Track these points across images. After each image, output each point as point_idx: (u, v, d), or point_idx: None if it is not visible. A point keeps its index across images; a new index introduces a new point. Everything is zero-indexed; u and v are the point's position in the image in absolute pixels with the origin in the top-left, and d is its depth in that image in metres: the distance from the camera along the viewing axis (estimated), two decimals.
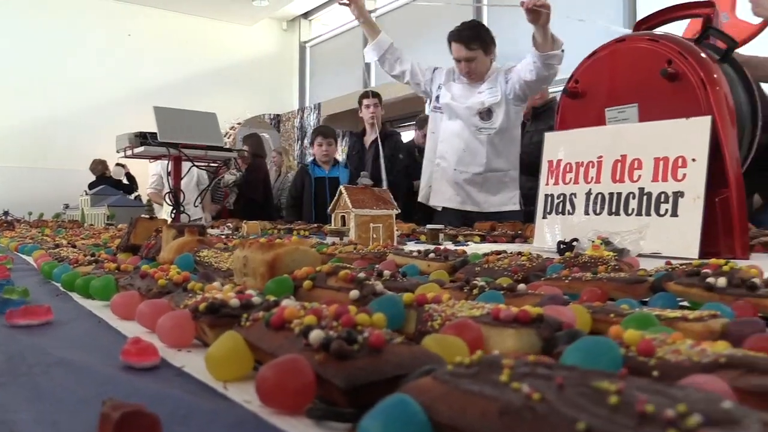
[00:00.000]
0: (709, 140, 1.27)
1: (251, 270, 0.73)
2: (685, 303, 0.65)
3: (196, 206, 3.84)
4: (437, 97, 3.04)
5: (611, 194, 1.44)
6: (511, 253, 1.03)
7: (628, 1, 5.26)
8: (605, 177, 1.46)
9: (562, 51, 2.59)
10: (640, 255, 1.25)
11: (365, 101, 3.90)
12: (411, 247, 1.50)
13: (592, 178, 1.49)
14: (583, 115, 1.58)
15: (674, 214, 1.30)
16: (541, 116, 3.42)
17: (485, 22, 5.06)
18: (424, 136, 3.42)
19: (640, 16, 5.03)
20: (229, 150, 3.00)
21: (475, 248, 1.64)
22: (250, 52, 9.05)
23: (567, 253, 1.04)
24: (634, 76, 1.46)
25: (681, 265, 0.79)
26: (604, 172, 1.46)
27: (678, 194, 1.30)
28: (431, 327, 0.48)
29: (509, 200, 2.90)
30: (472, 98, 2.92)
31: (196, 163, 2.83)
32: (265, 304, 0.49)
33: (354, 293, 0.57)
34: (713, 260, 0.73)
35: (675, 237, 1.28)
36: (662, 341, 0.38)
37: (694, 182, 1.28)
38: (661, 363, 0.35)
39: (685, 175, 1.30)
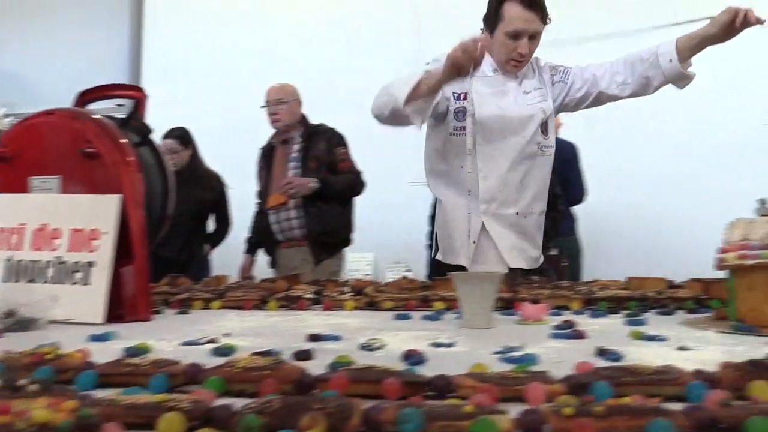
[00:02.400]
0: (117, 216, 1.44)
1: None
2: None
3: None
4: (460, 111, 2.07)
5: (32, 262, 1.48)
6: None
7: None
8: (26, 245, 1.50)
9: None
10: (53, 322, 1.33)
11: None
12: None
13: (13, 244, 1.51)
14: (11, 182, 1.58)
15: (86, 282, 1.42)
16: None
17: None
18: None
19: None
20: None
21: None
22: None
23: None
24: (59, 149, 1.55)
25: None
26: (26, 239, 1.50)
27: (91, 264, 1.43)
28: None
29: None
30: (521, 101, 2.11)
31: None
32: None
33: None
34: None
35: (86, 304, 1.40)
36: None
37: (104, 253, 1.43)
38: None
39: (97, 246, 1.44)
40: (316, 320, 1.44)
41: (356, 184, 3.40)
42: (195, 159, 3.80)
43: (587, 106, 2.18)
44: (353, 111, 3.78)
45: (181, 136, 3.74)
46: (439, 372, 0.76)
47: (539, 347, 1.03)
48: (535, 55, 2.12)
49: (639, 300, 1.58)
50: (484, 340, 1.09)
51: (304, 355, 0.97)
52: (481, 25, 2.11)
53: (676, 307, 1.53)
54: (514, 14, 2.00)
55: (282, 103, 3.34)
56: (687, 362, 0.85)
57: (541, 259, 2.22)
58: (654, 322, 1.31)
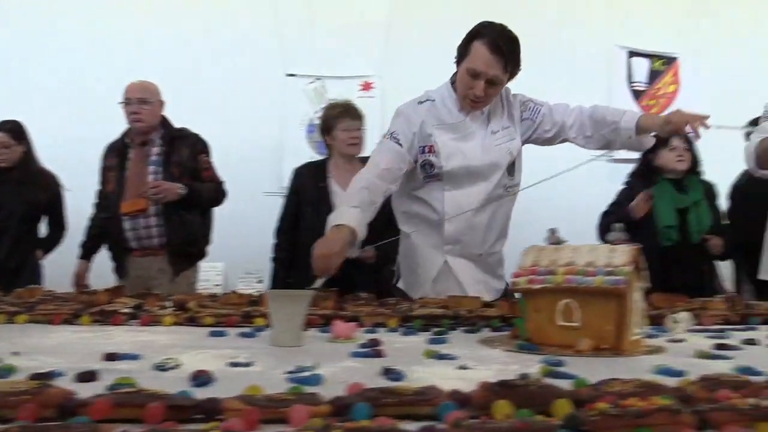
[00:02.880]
0: None
1: None
2: None
3: None
4: (426, 164, 2.09)
5: None
6: None
7: None
8: None
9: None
10: None
11: None
12: None
13: None
14: None
15: None
16: None
17: None
18: None
19: None
20: None
21: None
22: None
23: None
24: None
25: None
26: None
27: None
28: None
29: None
30: (489, 146, 2.09)
31: None
32: None
33: None
34: None
35: None
36: None
37: None
38: None
39: None
40: (125, 337, 1.39)
41: (220, 194, 3.31)
42: (28, 156, 3.51)
43: (552, 145, 2.24)
44: (206, 118, 3.71)
45: (13, 129, 3.45)
46: (222, 393, 0.77)
47: (334, 366, 1.06)
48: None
49: (451, 318, 1.67)
50: (283, 359, 1.11)
51: (87, 377, 0.94)
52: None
53: (483, 325, 1.63)
54: (478, 54, 1.98)
55: (145, 103, 3.16)
56: (459, 381, 0.92)
57: (503, 288, 2.21)
58: (456, 341, 1.39)
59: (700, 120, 1.88)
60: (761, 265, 2.71)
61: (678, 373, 0.99)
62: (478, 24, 2.05)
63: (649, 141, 2.10)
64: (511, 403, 0.74)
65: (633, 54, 5.91)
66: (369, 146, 4.88)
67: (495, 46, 1.96)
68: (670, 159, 3.55)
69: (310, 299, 1.34)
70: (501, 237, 2.21)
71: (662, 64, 5.94)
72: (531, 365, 1.07)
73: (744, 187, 3.75)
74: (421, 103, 2.14)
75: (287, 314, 1.28)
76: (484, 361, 1.13)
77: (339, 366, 1.08)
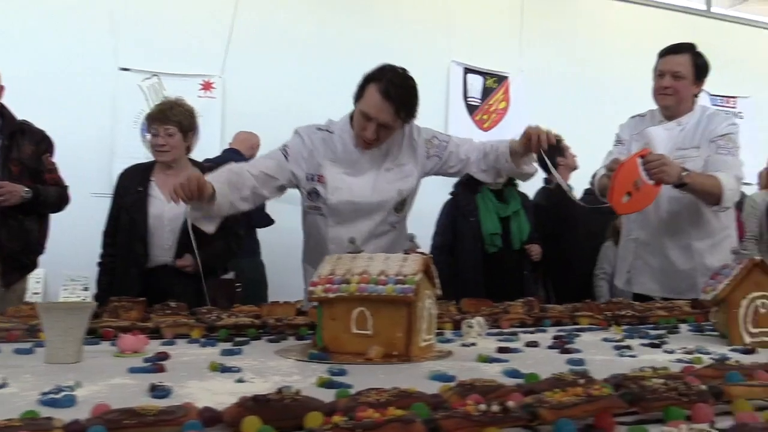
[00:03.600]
0: None
1: None
2: None
3: None
4: (313, 192, 2.12)
5: None
6: None
7: None
8: None
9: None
10: None
11: None
12: None
13: None
14: None
15: None
16: None
17: None
18: None
19: None
20: None
21: None
22: None
23: None
24: None
25: None
26: None
27: None
28: None
29: None
30: (377, 185, 2.12)
31: None
32: None
33: None
34: None
35: None
36: None
37: None
38: None
39: None
40: None
41: (63, 200, 2.98)
42: None
43: (449, 176, 2.39)
44: (32, 112, 3.36)
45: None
46: None
47: (100, 385, 0.99)
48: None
49: (259, 327, 1.64)
50: (45, 379, 1.01)
51: None
52: None
53: (290, 333, 1.61)
54: (371, 98, 2.00)
55: None
56: (228, 396, 0.88)
57: None
58: (252, 351, 1.36)
59: (547, 134, 1.98)
60: (616, 273, 2.88)
61: (450, 379, 1.02)
62: (377, 67, 2.06)
63: (531, 168, 2.18)
64: (260, 418, 0.72)
65: (468, 71, 6.23)
66: (207, 150, 4.75)
67: (386, 93, 1.97)
68: None
69: (90, 312, 1.24)
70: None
71: (494, 81, 6.32)
72: (311, 376, 1.06)
73: (543, 203, 4.11)
74: (320, 130, 2.16)
75: (63, 329, 1.18)
76: (267, 373, 1.10)
77: (106, 384, 1.00)
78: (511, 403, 0.69)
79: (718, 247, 2.50)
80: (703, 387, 0.78)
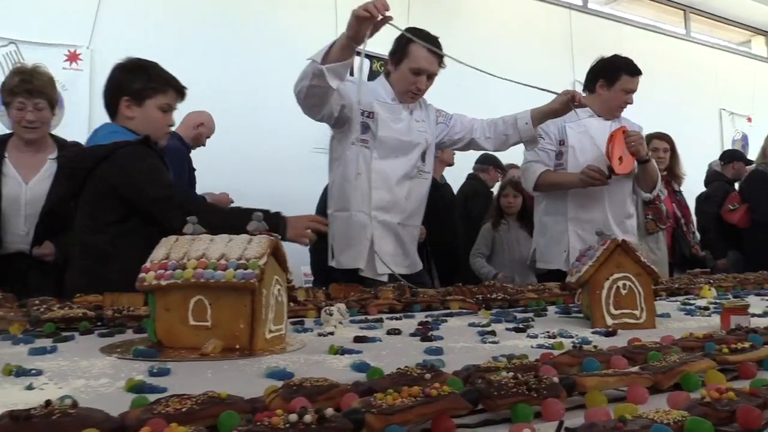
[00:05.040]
0: None
1: None
2: None
3: None
4: (364, 125, 2.42)
5: None
6: None
7: None
8: None
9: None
10: None
11: None
12: None
13: None
14: None
15: None
16: None
17: None
18: None
19: None
20: None
21: None
22: None
23: None
24: None
25: None
26: None
27: None
28: None
29: None
30: (412, 129, 2.55)
31: None
32: None
33: None
34: None
35: None
36: None
37: None
38: None
39: None
40: None
41: None
42: None
43: (459, 149, 2.84)
44: None
45: None
46: None
47: None
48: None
49: (93, 320, 1.44)
50: None
51: None
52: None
53: (130, 326, 1.42)
54: (420, 54, 2.41)
55: None
56: (5, 408, 0.71)
57: (419, 266, 2.63)
58: (72, 349, 1.17)
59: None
60: (536, 255, 3.23)
61: (287, 376, 0.89)
62: (409, 28, 2.42)
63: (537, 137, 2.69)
64: None
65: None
66: (73, 126, 4.36)
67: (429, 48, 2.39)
68: None
69: None
70: (416, 214, 2.58)
71: (381, 65, 6.23)
72: (125, 378, 0.89)
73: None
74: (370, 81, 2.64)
75: None
76: (72, 376, 0.92)
77: None
78: (329, 411, 0.57)
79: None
80: (555, 380, 0.70)
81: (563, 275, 2.65)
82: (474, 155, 5.08)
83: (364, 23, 2.03)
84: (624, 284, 1.40)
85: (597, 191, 2.92)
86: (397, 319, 1.61)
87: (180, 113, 4.30)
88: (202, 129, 4.27)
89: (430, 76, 2.46)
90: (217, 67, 5.06)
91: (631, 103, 3.02)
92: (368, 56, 6.13)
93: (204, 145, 4.39)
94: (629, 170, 2.92)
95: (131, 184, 2.03)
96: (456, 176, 4.92)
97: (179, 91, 2.26)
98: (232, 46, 5.26)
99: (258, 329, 1.12)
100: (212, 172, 4.31)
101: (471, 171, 5.07)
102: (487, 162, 4.95)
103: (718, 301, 1.98)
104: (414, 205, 2.54)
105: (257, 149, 5.06)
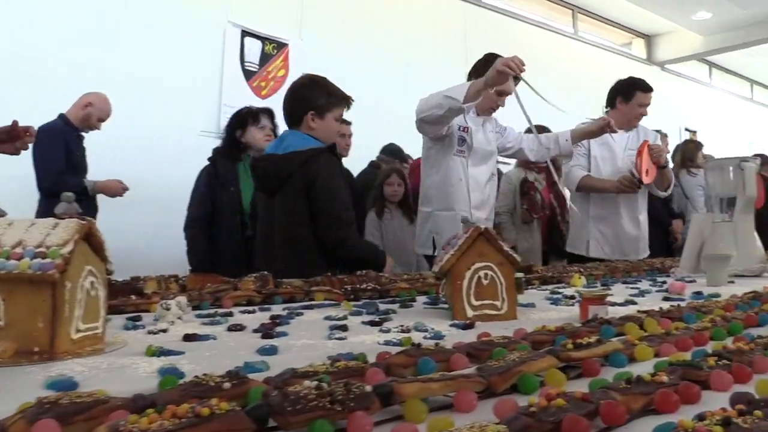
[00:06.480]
0: None
1: None
2: None
3: None
4: (460, 139, 2.98)
5: None
6: None
7: None
8: None
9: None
10: None
11: None
12: None
13: None
14: None
15: None
16: None
17: None
18: None
19: None
20: None
21: None
22: None
23: None
24: None
25: None
26: None
27: None
28: None
29: None
30: (490, 139, 3.11)
31: None
32: None
33: None
34: None
35: None
36: None
37: None
38: None
39: None
40: None
41: None
42: None
43: (506, 156, 3.35)
44: None
45: None
46: None
47: None
48: None
49: None
50: None
51: None
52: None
53: None
54: (505, 79, 2.66)
55: None
56: None
57: None
58: None
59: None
60: (568, 240, 3.80)
61: (71, 386, 0.74)
62: (489, 54, 2.96)
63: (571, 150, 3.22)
64: None
65: (246, 34, 5.85)
66: None
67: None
68: (258, 138, 3.52)
69: None
70: (492, 209, 3.19)
71: (273, 48, 6.02)
72: None
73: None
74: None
75: None
76: None
77: None
78: None
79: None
80: (369, 388, 0.60)
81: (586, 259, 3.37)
82: (378, 144, 5.00)
83: (502, 76, 2.52)
84: (486, 274, 1.34)
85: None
86: (250, 312, 1.47)
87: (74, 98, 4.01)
88: (90, 109, 4.05)
89: (508, 95, 2.95)
90: (110, 50, 4.70)
91: (645, 114, 3.61)
92: (259, 37, 5.92)
93: (97, 128, 4.09)
94: (653, 179, 3.49)
95: (324, 188, 2.43)
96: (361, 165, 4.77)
97: (348, 102, 2.66)
98: (139, 29, 4.89)
99: (60, 328, 0.95)
100: (106, 156, 4.17)
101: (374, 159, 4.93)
102: (392, 154, 4.83)
103: (585, 289, 1.98)
104: (492, 203, 3.14)
105: (148, 133, 4.75)
